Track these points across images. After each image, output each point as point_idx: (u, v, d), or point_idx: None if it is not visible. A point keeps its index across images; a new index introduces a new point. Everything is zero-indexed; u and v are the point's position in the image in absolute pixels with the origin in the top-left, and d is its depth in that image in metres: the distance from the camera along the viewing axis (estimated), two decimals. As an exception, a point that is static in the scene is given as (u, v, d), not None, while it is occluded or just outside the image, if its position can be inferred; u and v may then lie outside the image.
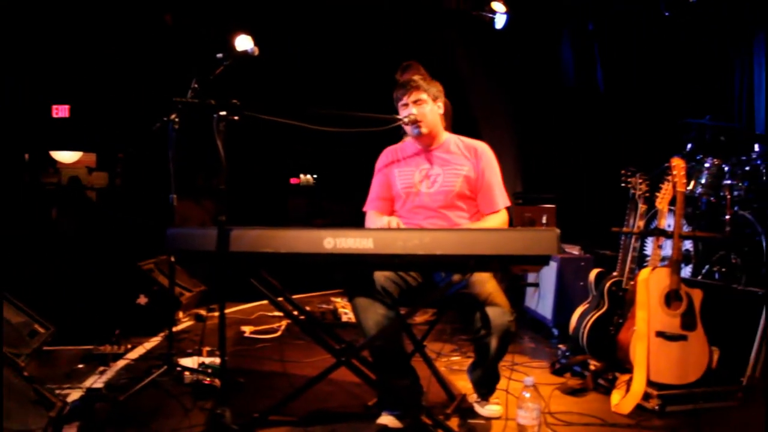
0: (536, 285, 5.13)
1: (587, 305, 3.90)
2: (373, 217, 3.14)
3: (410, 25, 7.03)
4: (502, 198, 3.13)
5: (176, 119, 3.31)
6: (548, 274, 4.89)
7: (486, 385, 3.05)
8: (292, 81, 7.10)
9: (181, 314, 5.16)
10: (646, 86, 6.98)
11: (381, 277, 2.78)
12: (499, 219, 3.09)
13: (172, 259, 3.56)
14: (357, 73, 7.25)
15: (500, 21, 6.91)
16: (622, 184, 3.97)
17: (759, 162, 4.59)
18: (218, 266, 2.47)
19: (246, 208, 7.54)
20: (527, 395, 2.56)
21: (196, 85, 3.27)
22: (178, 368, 3.52)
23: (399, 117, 3.09)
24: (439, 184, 3.10)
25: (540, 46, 7.47)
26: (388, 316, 2.73)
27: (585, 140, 7.21)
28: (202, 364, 3.60)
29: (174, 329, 4.12)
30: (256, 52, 3.69)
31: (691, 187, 4.84)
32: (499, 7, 6.80)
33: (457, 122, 7.15)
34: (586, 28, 7.25)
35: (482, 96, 7.56)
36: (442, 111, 3.19)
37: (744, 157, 4.70)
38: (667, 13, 6.70)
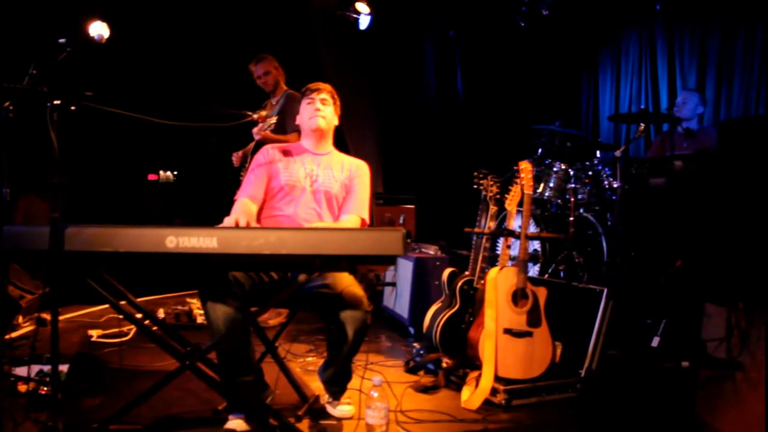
0: (393, 284, 5.19)
1: (440, 304, 3.98)
2: (241, 205, 3.10)
3: (274, 20, 6.92)
4: (362, 208, 3.24)
5: (10, 107, 3.06)
6: (405, 274, 4.96)
7: (337, 383, 3.03)
8: (144, 71, 6.77)
9: (20, 319, 4.80)
10: (503, 93, 7.26)
11: (232, 275, 2.72)
12: (353, 220, 3.17)
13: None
14: (216, 66, 7.05)
15: (364, 22, 6.94)
16: (474, 186, 4.08)
17: (600, 167, 4.88)
18: (51, 266, 2.30)
19: (98, 205, 7.16)
20: (375, 395, 2.56)
21: (34, 71, 3.05)
22: (12, 378, 3.26)
23: (253, 113, 3.11)
24: (319, 183, 3.19)
25: (403, 49, 7.58)
26: (237, 314, 2.66)
27: (445, 143, 7.40)
28: (40, 372, 3.36)
29: (12, 335, 3.84)
30: (103, 40, 3.48)
31: (540, 189, 5.08)
32: (363, 8, 6.82)
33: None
34: (447, 35, 7.44)
35: (346, 95, 7.56)
36: (336, 123, 3.35)
37: (588, 163, 4.97)
38: (522, 24, 6.99)
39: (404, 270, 4.98)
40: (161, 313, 5.20)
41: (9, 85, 2.71)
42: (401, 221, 5.72)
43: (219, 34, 6.92)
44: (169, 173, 10.14)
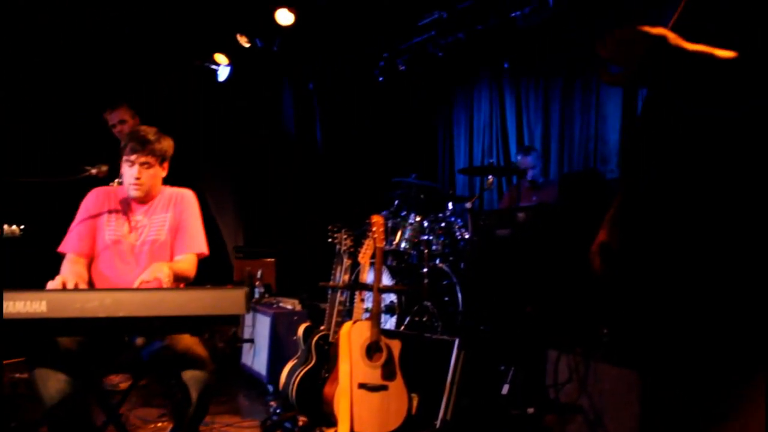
0: (251, 341, 5.06)
1: (296, 360, 3.90)
2: (70, 263, 2.88)
3: (130, 67, 6.71)
4: (196, 243, 3.07)
5: None
6: (262, 330, 4.85)
7: (186, 451, 2.87)
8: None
9: None
10: (362, 145, 7.39)
11: (63, 341, 2.52)
12: (186, 262, 3.01)
13: None
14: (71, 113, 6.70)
15: (223, 73, 6.90)
16: (329, 240, 4.08)
17: (452, 219, 5.04)
18: None
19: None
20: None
21: None
22: None
23: (90, 168, 2.92)
24: (146, 234, 2.99)
25: (262, 100, 7.56)
26: (70, 385, 2.46)
27: (305, 195, 7.39)
28: None
29: None
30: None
31: (396, 241, 5.16)
32: (222, 60, 6.78)
33: (175, 172, 6.96)
34: (306, 86, 7.51)
35: (203, 147, 7.44)
36: (164, 174, 3.11)
37: (441, 215, 5.12)
38: (381, 78, 7.18)
39: (261, 326, 4.87)
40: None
41: None
42: (258, 276, 5.61)
43: (65, 82, 6.59)
44: (15, 227, 9.51)
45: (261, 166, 7.59)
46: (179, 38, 6.35)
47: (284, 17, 5.67)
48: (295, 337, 4.54)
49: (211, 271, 7.11)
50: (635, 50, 1.37)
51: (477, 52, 6.59)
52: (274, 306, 5.11)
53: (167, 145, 3.09)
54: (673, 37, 1.33)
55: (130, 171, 2.98)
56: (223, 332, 5.50)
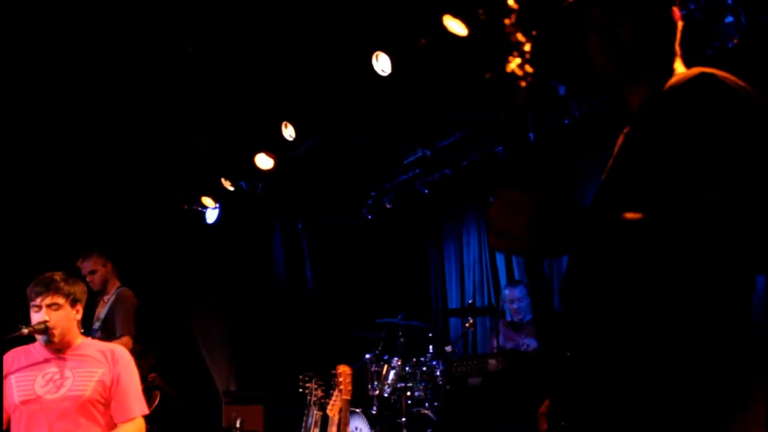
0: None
1: None
2: None
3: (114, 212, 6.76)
4: (138, 405, 2.91)
5: None
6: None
7: None
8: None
9: None
10: (351, 284, 7.28)
11: None
12: (134, 427, 2.84)
13: None
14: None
15: (212, 216, 6.94)
16: (300, 390, 3.92)
17: (434, 363, 4.83)
18: None
19: None
20: None
21: None
22: None
23: (22, 327, 2.78)
24: (67, 388, 2.77)
25: (252, 240, 7.57)
26: None
27: (296, 337, 7.23)
28: None
29: None
30: None
31: (380, 387, 4.94)
32: (209, 203, 6.83)
33: (166, 323, 6.87)
34: (295, 227, 7.53)
35: (194, 293, 7.39)
36: (79, 317, 2.95)
37: (422, 358, 4.92)
38: (369, 217, 7.19)
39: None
40: None
41: None
42: (238, 425, 5.37)
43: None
44: None
45: (252, 308, 7.48)
46: (166, 182, 6.45)
47: (263, 161, 5.75)
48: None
49: (202, 418, 6.89)
50: (519, 216, 1.31)
51: (463, 186, 6.60)
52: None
53: (78, 288, 2.95)
54: None
55: (36, 316, 2.81)
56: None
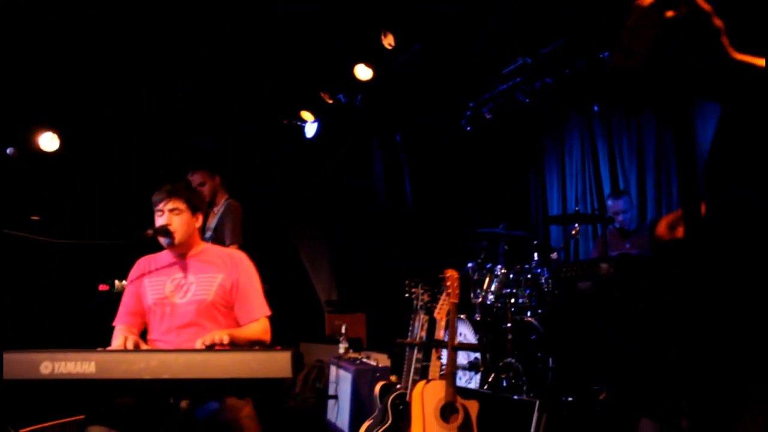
0: (335, 397, 4.97)
1: (372, 420, 3.78)
2: (118, 334, 2.86)
3: (222, 130, 6.94)
4: (260, 306, 3.02)
5: None
6: (344, 387, 4.77)
7: None
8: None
9: None
10: (452, 196, 7.27)
11: (117, 404, 2.53)
12: (259, 327, 2.97)
13: None
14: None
15: (310, 130, 7.00)
16: (406, 295, 3.98)
17: (538, 270, 4.80)
18: None
19: (46, 327, 6.83)
20: None
21: None
22: None
23: (148, 230, 2.93)
24: (192, 292, 2.93)
25: (351, 154, 7.62)
26: None
27: (394, 248, 7.33)
28: None
29: None
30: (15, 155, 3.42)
31: (483, 295, 4.97)
32: (308, 116, 6.88)
33: (270, 234, 7.10)
34: (394, 140, 7.51)
35: (296, 207, 7.56)
36: (199, 224, 3.09)
37: (526, 266, 4.90)
38: (468, 128, 7.08)
39: (344, 382, 4.79)
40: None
41: None
42: (343, 330, 5.54)
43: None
44: (124, 282, 9.91)
45: (352, 220, 7.61)
46: (267, 97, 6.51)
47: (363, 72, 5.69)
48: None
49: (304, 326, 7.15)
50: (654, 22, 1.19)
51: (566, 95, 6.38)
52: (357, 362, 5.01)
53: (198, 196, 3.11)
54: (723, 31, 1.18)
55: (159, 220, 2.96)
56: (313, 384, 5.48)
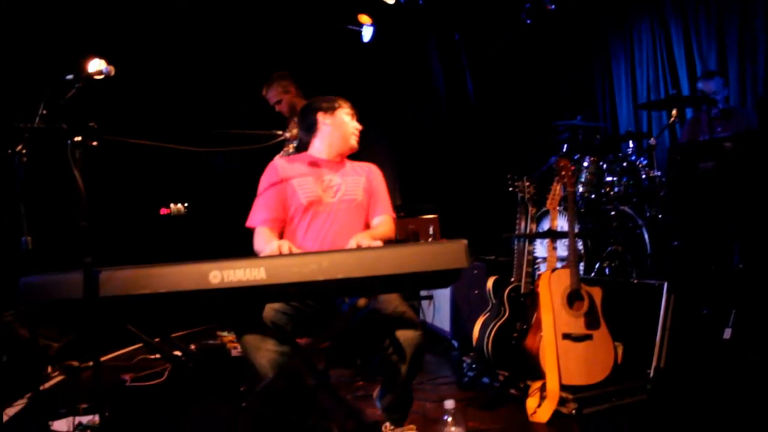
0: (430, 297, 5.01)
1: (488, 314, 3.80)
2: (265, 236, 2.85)
3: (277, 39, 6.79)
4: (389, 208, 3.09)
5: (23, 151, 2.92)
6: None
7: (399, 410, 2.84)
8: (156, 102, 6.57)
9: (49, 369, 4.62)
10: (515, 92, 7.11)
11: (270, 310, 2.53)
12: (387, 225, 2.99)
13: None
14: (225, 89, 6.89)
15: (367, 34, 6.82)
16: (509, 189, 3.92)
17: (634, 158, 4.71)
18: (87, 316, 2.13)
19: (110, 246, 6.95)
20: (448, 419, 2.38)
21: (44, 111, 2.89)
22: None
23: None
24: (342, 192, 2.98)
25: (409, 57, 7.45)
26: (282, 352, 2.46)
27: (460, 148, 7.24)
28: (79, 425, 3.18)
29: (42, 387, 3.67)
30: (112, 73, 3.32)
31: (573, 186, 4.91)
32: (365, 20, 6.70)
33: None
34: (452, 38, 7.30)
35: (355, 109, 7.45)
36: None
37: (621, 154, 4.80)
38: (528, 21, 6.85)
39: (440, 282, 4.81)
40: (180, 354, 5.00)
41: (25, 125, 2.55)
42: (430, 232, 5.52)
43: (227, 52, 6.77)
44: (180, 205, 9.92)
45: (413, 123, 7.50)
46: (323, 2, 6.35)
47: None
48: (477, 291, 4.46)
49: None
50: None
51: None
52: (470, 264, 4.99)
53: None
54: None
55: (352, 122, 3.09)
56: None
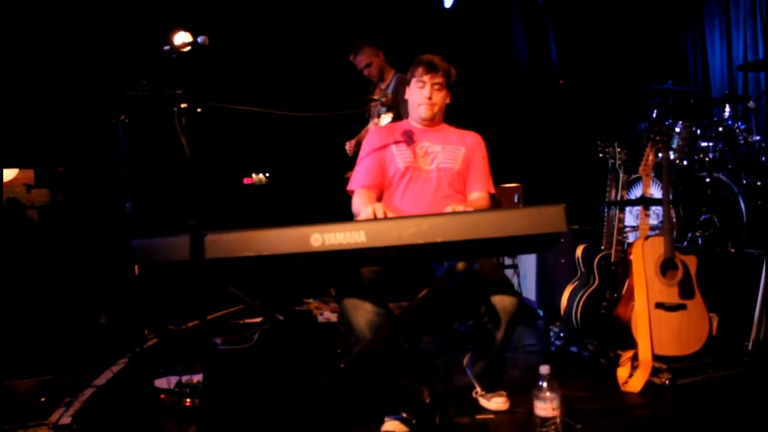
0: (515, 267, 4.96)
1: (577, 283, 3.75)
2: (363, 198, 2.88)
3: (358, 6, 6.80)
4: (489, 183, 3.01)
5: (126, 119, 3.03)
6: (527, 254, 4.74)
7: (491, 377, 2.84)
8: (246, 70, 6.69)
9: (146, 331, 4.82)
10: (600, 58, 6.90)
11: (368, 271, 2.55)
12: (484, 199, 2.95)
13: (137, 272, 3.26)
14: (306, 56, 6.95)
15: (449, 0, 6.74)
16: (600, 155, 3.83)
17: (730, 122, 4.51)
18: (194, 277, 2.21)
19: (199, 213, 7.15)
20: (543, 384, 2.37)
21: (144, 83, 2.99)
22: (154, 391, 3.23)
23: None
24: (439, 160, 2.95)
25: (490, 22, 7.32)
26: (379, 313, 2.50)
27: (544, 115, 7.09)
28: (179, 383, 3.32)
29: (141, 347, 3.82)
30: (207, 42, 3.40)
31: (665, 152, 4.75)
32: (447, -15, 6.61)
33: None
34: (536, 4, 7.12)
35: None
36: (448, 101, 3.05)
37: (716, 119, 4.61)
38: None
39: (526, 250, 4.76)
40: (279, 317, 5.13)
41: (133, 93, 2.64)
42: (516, 200, 5.45)
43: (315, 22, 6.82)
44: (261, 176, 10.10)
45: (494, 89, 7.38)
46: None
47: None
48: (564, 260, 4.40)
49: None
50: None
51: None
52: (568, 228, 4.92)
53: (453, 72, 3.03)
54: None
55: (421, 92, 2.96)
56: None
